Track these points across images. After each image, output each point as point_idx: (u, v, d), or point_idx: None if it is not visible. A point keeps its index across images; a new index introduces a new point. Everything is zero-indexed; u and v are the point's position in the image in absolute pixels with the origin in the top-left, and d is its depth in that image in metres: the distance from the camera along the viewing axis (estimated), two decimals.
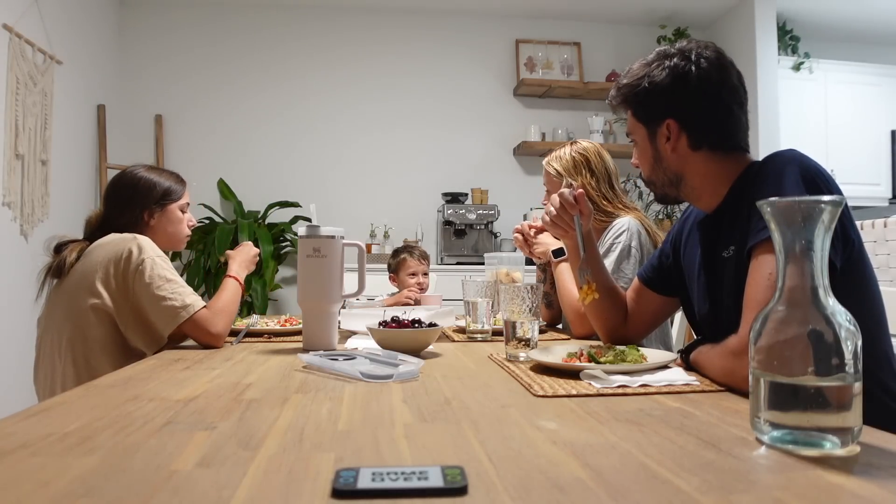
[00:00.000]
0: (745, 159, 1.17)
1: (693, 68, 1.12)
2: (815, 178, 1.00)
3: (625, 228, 1.80)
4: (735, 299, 1.01)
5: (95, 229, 1.62)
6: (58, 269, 1.53)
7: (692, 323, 1.34)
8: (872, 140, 4.61)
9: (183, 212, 1.71)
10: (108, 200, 1.66)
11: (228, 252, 1.76)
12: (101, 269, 1.47)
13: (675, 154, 1.17)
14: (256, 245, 3.60)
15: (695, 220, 1.30)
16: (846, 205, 0.99)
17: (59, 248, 1.57)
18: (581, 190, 1.36)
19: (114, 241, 1.51)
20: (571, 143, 2.02)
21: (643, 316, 1.44)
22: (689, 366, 1.09)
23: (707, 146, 1.15)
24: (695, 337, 1.32)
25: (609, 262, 1.73)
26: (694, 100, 1.13)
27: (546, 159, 2.01)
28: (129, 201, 1.63)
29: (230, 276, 1.63)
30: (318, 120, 4.42)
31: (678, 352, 1.13)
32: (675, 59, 1.14)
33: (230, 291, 1.57)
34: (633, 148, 1.26)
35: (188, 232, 1.74)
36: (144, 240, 1.51)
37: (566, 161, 1.96)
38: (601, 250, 1.80)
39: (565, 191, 1.36)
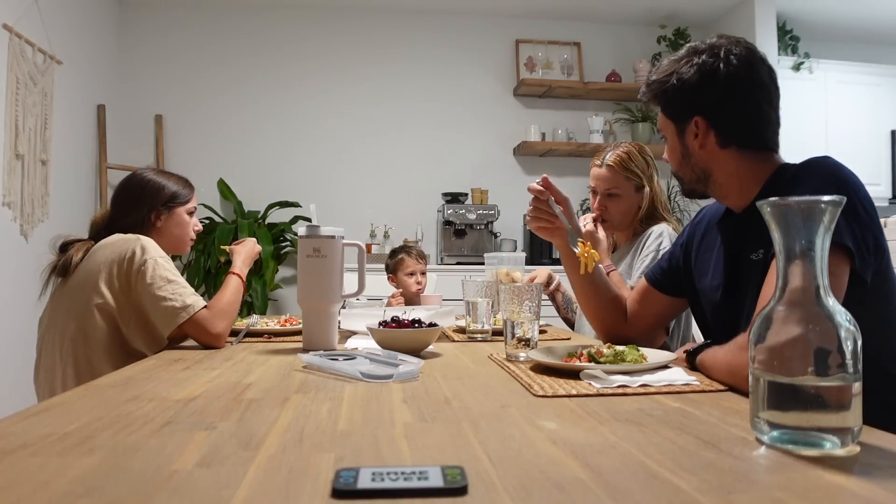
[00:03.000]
0: (775, 160, 1.17)
1: (722, 66, 1.12)
2: (849, 193, 0.99)
3: (665, 234, 1.82)
4: None
5: (101, 229, 1.62)
6: (63, 268, 1.53)
7: (701, 325, 1.34)
8: (872, 140, 4.61)
9: (190, 215, 1.71)
10: (115, 201, 1.67)
11: (233, 248, 1.73)
12: (105, 270, 1.48)
13: (703, 151, 1.17)
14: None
15: (709, 223, 1.30)
16: (876, 213, 1.00)
17: (65, 247, 1.57)
18: (545, 175, 1.37)
19: (118, 242, 1.51)
20: (626, 144, 1.93)
21: (647, 317, 1.44)
22: (693, 367, 1.08)
23: (735, 144, 1.15)
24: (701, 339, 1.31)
25: None
26: (722, 97, 1.13)
27: (611, 160, 1.88)
28: (137, 202, 1.63)
29: (234, 273, 1.62)
30: (319, 120, 4.42)
31: (685, 352, 1.11)
32: (703, 56, 1.13)
33: (232, 290, 1.57)
34: (664, 143, 1.26)
35: (193, 236, 1.73)
36: (147, 240, 1.51)
37: (641, 162, 1.88)
38: (643, 255, 1.81)
39: (532, 184, 1.36)
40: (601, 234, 1.85)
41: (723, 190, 1.19)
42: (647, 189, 1.88)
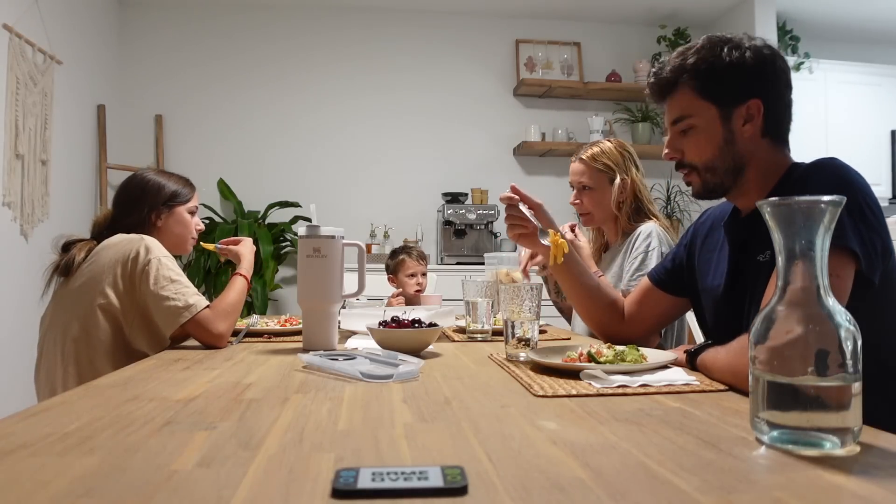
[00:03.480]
0: (789, 158, 1.17)
1: (770, 52, 1.13)
2: (855, 196, 1.00)
3: (654, 233, 1.82)
4: None
5: (103, 229, 1.63)
6: (66, 268, 1.53)
7: (702, 325, 1.34)
8: (872, 140, 4.61)
9: (191, 214, 1.71)
10: (116, 201, 1.68)
11: (239, 249, 1.72)
12: (110, 272, 1.48)
13: (748, 137, 1.13)
14: (255, 244, 3.60)
15: (714, 223, 1.30)
16: (883, 216, 1.00)
17: (67, 247, 1.57)
18: (513, 184, 1.38)
19: (122, 242, 1.51)
20: (604, 140, 1.97)
21: (646, 318, 1.44)
22: (693, 367, 1.07)
23: (771, 135, 1.14)
24: (701, 340, 1.31)
25: (651, 266, 1.72)
26: (779, 83, 1.14)
27: (585, 155, 1.93)
28: (138, 202, 1.64)
29: (241, 275, 1.63)
30: (319, 120, 4.42)
31: (685, 352, 1.11)
32: (754, 42, 1.13)
33: (237, 291, 1.57)
34: (678, 134, 1.18)
35: (194, 235, 1.74)
36: (151, 240, 1.52)
37: (614, 155, 1.90)
38: (633, 256, 1.81)
39: (503, 194, 1.38)
40: (582, 241, 1.88)
41: (748, 185, 1.16)
42: (618, 179, 1.89)
